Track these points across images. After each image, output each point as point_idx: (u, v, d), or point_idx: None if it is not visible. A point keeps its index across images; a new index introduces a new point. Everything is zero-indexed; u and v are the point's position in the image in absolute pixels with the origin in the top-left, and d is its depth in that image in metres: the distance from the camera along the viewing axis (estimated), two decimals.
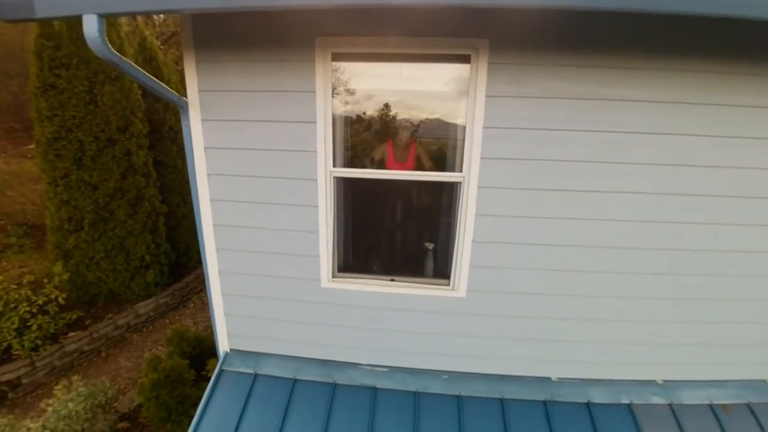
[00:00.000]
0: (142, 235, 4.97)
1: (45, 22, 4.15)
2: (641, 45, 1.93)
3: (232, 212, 2.37)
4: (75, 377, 3.22)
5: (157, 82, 2.04)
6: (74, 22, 4.21)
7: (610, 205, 2.19)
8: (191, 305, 5.61)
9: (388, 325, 2.50)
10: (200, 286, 6.05)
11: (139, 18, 9.50)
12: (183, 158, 6.03)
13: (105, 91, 4.47)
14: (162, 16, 11.29)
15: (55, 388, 3.15)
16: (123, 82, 4.63)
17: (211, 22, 2.07)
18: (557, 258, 2.29)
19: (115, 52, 1.72)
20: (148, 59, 5.43)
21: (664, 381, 2.59)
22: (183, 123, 2.30)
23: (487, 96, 2.03)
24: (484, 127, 2.08)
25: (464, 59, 2.02)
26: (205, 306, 5.62)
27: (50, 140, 4.40)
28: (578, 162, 2.13)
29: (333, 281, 2.42)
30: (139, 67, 1.90)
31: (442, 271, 2.47)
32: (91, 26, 1.62)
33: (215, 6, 1.61)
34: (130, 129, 4.72)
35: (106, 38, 1.67)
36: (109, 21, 4.38)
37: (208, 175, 2.32)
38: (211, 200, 2.37)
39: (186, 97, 2.23)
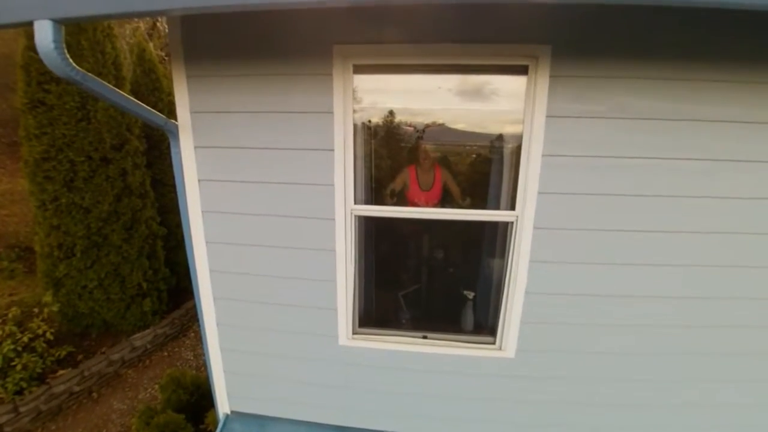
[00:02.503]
0: (138, 261, 4.59)
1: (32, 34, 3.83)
2: (747, 53, 1.52)
3: (231, 256, 1.97)
4: None
5: (138, 104, 1.65)
6: (75, 30, 3.88)
7: (697, 248, 1.75)
8: (192, 334, 5.21)
9: (418, 389, 2.07)
10: None
11: (142, 28, 9.29)
12: None
13: (98, 107, 4.13)
14: (167, 27, 11.08)
15: None
16: None
17: (204, 28, 1.70)
18: (627, 312, 1.86)
19: (76, 67, 1.34)
20: (147, 71, 5.10)
21: None
22: (172, 151, 1.92)
23: (547, 116, 1.62)
24: (543, 155, 1.66)
25: (519, 71, 1.61)
26: None
27: (38, 161, 4.05)
28: (657, 196, 1.70)
29: (353, 338, 2.00)
30: (113, 87, 1.52)
31: (486, 326, 2.04)
32: (44, 35, 1.25)
33: (192, 6, 1.22)
34: (125, 147, 4.36)
35: (65, 50, 1.29)
36: (86, 29, 4.05)
37: (202, 212, 1.93)
38: (206, 242, 1.97)
39: (175, 120, 1.84)
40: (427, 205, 2.30)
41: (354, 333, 2.00)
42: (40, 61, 3.89)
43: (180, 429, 2.86)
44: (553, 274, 1.82)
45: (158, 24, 9.73)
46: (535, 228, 1.75)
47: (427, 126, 2.08)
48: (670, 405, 2.00)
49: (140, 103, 1.67)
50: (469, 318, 2.13)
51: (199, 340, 5.12)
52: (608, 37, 1.54)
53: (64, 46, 1.32)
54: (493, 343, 1.97)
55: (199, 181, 1.89)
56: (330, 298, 1.93)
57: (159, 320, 4.97)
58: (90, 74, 1.42)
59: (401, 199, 2.17)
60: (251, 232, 1.92)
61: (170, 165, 5.35)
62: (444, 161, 2.32)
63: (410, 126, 2.16)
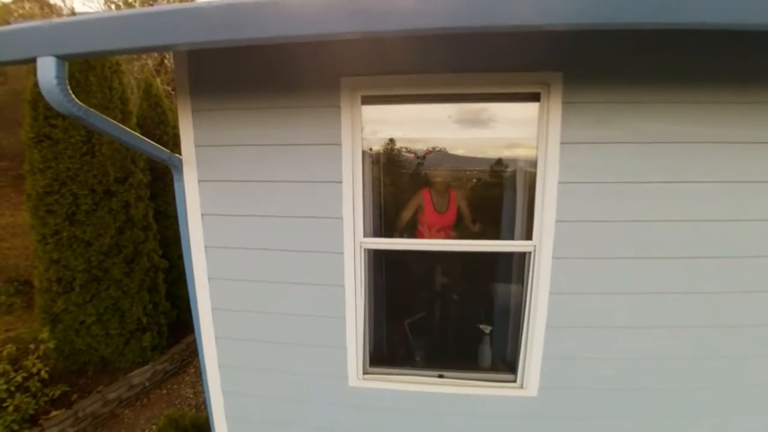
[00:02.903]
0: (139, 295, 4.48)
1: None
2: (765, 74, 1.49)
3: (235, 293, 1.89)
4: None
5: (142, 139, 1.62)
6: (75, 69, 3.95)
7: (722, 273, 1.66)
8: (192, 370, 5.01)
9: (433, 431, 1.92)
10: None
11: (150, 65, 9.58)
12: None
13: (104, 141, 4.15)
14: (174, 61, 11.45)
15: None
16: None
17: (211, 62, 1.69)
18: (655, 344, 1.74)
19: (79, 103, 1.32)
20: (153, 105, 5.18)
21: None
22: (176, 185, 1.88)
23: (562, 143, 1.57)
24: (559, 182, 1.60)
25: (531, 98, 1.58)
26: None
27: (41, 195, 4.04)
28: (677, 221, 1.63)
29: (364, 379, 1.88)
30: (117, 123, 1.49)
31: (505, 362, 1.92)
32: (47, 72, 1.23)
33: (200, 41, 1.20)
34: (129, 180, 4.36)
35: (68, 86, 1.27)
36: (97, 65, 4.13)
37: (205, 247, 1.86)
38: (209, 278, 1.89)
39: (179, 153, 1.81)
40: (442, 227, 2.22)
41: (365, 373, 1.88)
42: None
43: None
44: (574, 306, 1.72)
45: (165, 60, 10.05)
46: (554, 258, 1.66)
47: (428, 152, 2.04)
48: None
49: (143, 137, 1.64)
50: (486, 354, 2.01)
51: (199, 376, 4.92)
52: (620, 62, 1.52)
53: (66, 82, 1.30)
54: (514, 381, 1.84)
55: (202, 215, 1.83)
56: (339, 336, 1.82)
57: (158, 356, 4.80)
58: (93, 110, 1.39)
59: (415, 223, 2.10)
60: (256, 268, 1.84)
61: (174, 197, 5.32)
62: (457, 185, 2.26)
63: (410, 152, 2.13)
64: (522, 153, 1.79)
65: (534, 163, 1.68)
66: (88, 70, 4.01)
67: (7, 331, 4.86)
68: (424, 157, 2.12)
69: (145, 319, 4.56)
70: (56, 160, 4.01)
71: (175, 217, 5.46)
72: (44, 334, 4.24)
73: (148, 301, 4.60)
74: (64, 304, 4.24)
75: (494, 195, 2.06)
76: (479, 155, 2.10)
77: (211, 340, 1.97)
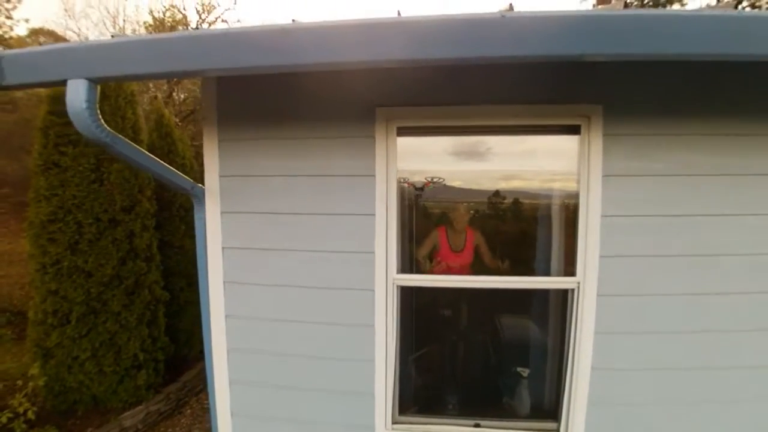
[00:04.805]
0: (137, 329, 4.27)
1: (57, 98, 3.92)
2: None
3: (254, 333, 1.76)
4: None
5: (166, 168, 1.56)
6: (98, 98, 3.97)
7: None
8: (188, 411, 4.69)
9: None
10: (200, 385, 5.17)
11: (160, 97, 9.78)
12: (192, 237, 5.49)
13: (113, 169, 4.10)
14: (182, 96, 11.66)
15: None
16: None
17: (239, 91, 1.66)
18: (707, 384, 1.61)
19: (107, 128, 1.26)
20: (163, 135, 5.19)
21: None
22: (196, 216, 1.79)
23: (604, 176, 1.52)
24: (602, 216, 1.53)
25: (572, 130, 1.54)
26: (205, 412, 4.70)
27: (44, 222, 3.93)
28: (727, 255, 1.55)
29: (393, 429, 1.71)
30: (143, 150, 1.43)
31: (545, 409, 1.77)
32: (77, 95, 1.18)
33: (219, 67, 1.16)
34: (136, 209, 4.27)
35: (97, 110, 1.22)
36: (116, 93, 4.16)
37: (224, 282, 1.75)
38: (226, 316, 1.77)
39: (202, 184, 1.74)
40: (458, 266, 2.13)
41: (394, 422, 1.71)
42: (60, 124, 3.90)
43: None
44: (621, 347, 1.60)
45: (174, 94, 10.33)
46: (598, 296, 1.57)
47: (426, 184, 1.98)
48: None
49: (168, 166, 1.58)
50: (525, 400, 1.85)
51: (195, 418, 4.61)
52: (660, 94, 1.49)
53: (96, 107, 1.25)
54: (557, 430, 1.68)
55: (223, 248, 1.74)
56: (368, 381, 1.68)
57: (153, 395, 4.51)
58: (120, 136, 1.33)
59: (431, 263, 2.01)
60: (277, 306, 1.72)
61: (179, 226, 5.20)
62: (477, 221, 2.19)
63: (409, 184, 2.06)
64: (558, 188, 1.73)
65: (570, 196, 1.62)
66: (102, 100, 4.02)
67: None
68: (422, 188, 2.05)
69: (141, 356, 4.32)
70: (63, 188, 3.94)
71: (180, 247, 5.33)
72: (34, 370, 3.99)
73: (146, 335, 4.38)
74: (59, 337, 4.02)
75: (522, 230, 1.99)
76: (474, 186, 2.04)
77: (225, 385, 1.82)
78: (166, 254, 4.92)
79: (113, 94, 4.07)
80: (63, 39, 12.93)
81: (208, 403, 4.83)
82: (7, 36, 10.72)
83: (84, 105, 1.19)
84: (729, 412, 1.63)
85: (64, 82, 1.20)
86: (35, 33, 12.87)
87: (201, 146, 1.74)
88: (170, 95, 10.41)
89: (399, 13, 1.01)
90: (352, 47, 0.99)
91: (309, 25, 1.00)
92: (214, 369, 1.81)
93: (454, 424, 1.72)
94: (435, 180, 2.01)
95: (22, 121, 8.42)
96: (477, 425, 1.71)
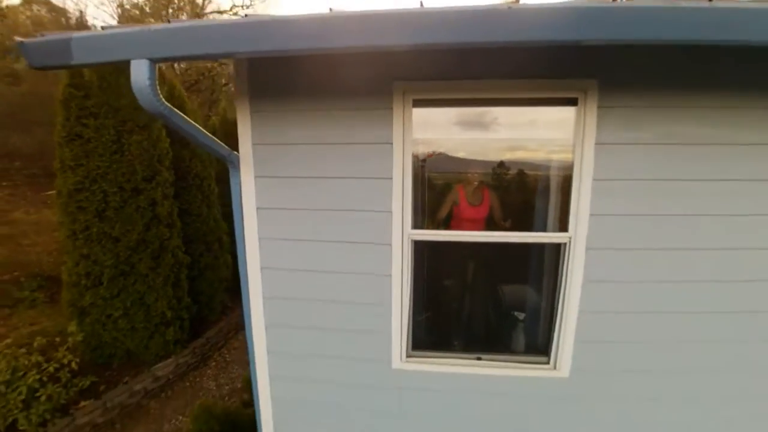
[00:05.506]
0: (163, 290, 4.61)
1: (76, 72, 4.04)
2: None
3: (286, 282, 2.02)
4: None
5: (208, 136, 1.76)
6: (106, 71, 4.10)
7: (744, 265, 1.80)
8: (213, 364, 5.14)
9: (471, 411, 2.05)
10: (222, 342, 5.60)
11: (163, 67, 9.74)
12: (208, 206, 5.79)
13: (132, 140, 4.29)
14: (183, 65, 11.60)
15: None
16: (151, 131, 4.46)
17: (270, 66, 1.83)
18: (681, 329, 1.88)
19: (166, 103, 1.45)
20: (176, 107, 5.32)
21: None
22: (232, 181, 2.01)
23: (597, 144, 1.72)
24: (594, 179, 1.74)
25: (569, 102, 1.72)
26: (228, 365, 5.15)
27: (72, 191, 4.17)
28: (705, 216, 1.77)
29: (407, 362, 2.02)
30: (191, 121, 1.63)
31: (538, 346, 2.06)
32: (140, 73, 1.37)
33: (270, 49, 1.34)
34: (156, 178, 4.49)
35: (158, 87, 1.41)
36: None
37: (259, 239, 2.00)
38: (261, 268, 2.03)
39: (237, 151, 1.95)
40: (476, 219, 2.33)
41: (407, 356, 2.02)
42: (81, 97, 4.08)
43: None
44: (606, 293, 1.86)
45: (175, 65, 10.27)
46: (587, 249, 1.81)
47: (429, 155, 2.16)
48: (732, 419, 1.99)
49: (211, 135, 1.78)
50: (520, 338, 2.15)
51: (220, 369, 5.06)
52: (651, 69, 1.66)
53: (157, 83, 1.44)
54: (547, 363, 1.98)
55: (257, 209, 1.97)
56: (385, 322, 1.96)
57: (180, 349, 4.93)
58: (174, 109, 1.53)
59: (450, 219, 2.23)
60: (307, 258, 1.97)
61: (195, 195, 5.45)
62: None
63: (414, 156, 2.23)
64: (554, 154, 1.93)
65: (566, 163, 1.82)
66: (119, 73, 4.15)
67: (32, 325, 4.98)
68: (425, 159, 2.23)
69: (169, 314, 4.69)
70: (87, 158, 4.14)
71: (197, 215, 5.60)
72: (72, 327, 4.36)
73: (172, 296, 4.73)
74: (92, 298, 4.37)
75: (522, 194, 2.20)
76: (479, 158, 2.22)
77: (261, 328, 2.11)
78: (185, 221, 5.19)
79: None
80: (59, 9, 12.64)
81: (230, 358, 5.26)
82: (2, 5, 10.52)
83: (147, 82, 1.38)
84: (707, 351, 1.90)
85: (127, 62, 1.39)
86: (28, 2, 12.57)
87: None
88: (172, 65, 10.34)
89: (422, 4, 1.18)
90: (384, 34, 1.17)
91: (345, 13, 1.18)
92: (252, 314, 2.09)
93: (459, 358, 2.03)
94: (437, 153, 2.19)
95: (29, 94, 8.46)
96: (479, 359, 2.01)
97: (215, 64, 11.63)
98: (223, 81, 13.95)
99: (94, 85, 4.09)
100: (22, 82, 9.24)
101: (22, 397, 3.72)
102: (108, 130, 4.18)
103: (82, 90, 4.06)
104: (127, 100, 4.18)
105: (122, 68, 4.23)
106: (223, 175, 6.13)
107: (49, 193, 7.96)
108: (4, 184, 8.23)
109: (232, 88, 15.25)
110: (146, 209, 4.43)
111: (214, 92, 13.53)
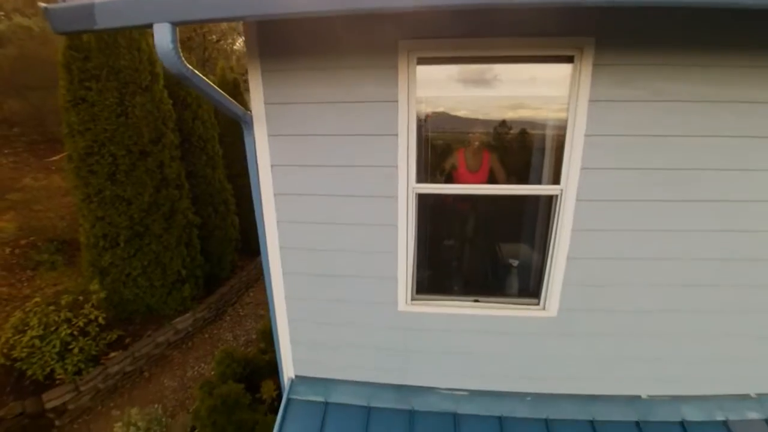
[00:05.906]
0: (177, 249, 4.85)
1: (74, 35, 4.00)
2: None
3: (300, 234, 2.20)
4: (133, 410, 3.10)
5: (225, 97, 1.86)
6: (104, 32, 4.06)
7: (722, 216, 1.97)
8: (228, 318, 5.50)
9: (470, 348, 2.31)
10: (234, 298, 5.94)
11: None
12: (213, 167, 5.90)
13: (136, 102, 4.33)
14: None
15: (115, 426, 3.02)
16: (153, 92, 4.48)
17: (278, 27, 1.89)
18: (660, 273, 2.09)
19: (188, 65, 1.54)
20: None
21: (758, 395, 2.39)
22: (246, 139, 2.12)
23: (590, 100, 1.82)
24: (586, 135, 1.87)
25: (566, 59, 1.80)
26: (242, 319, 5.51)
27: (83, 155, 4.27)
28: (691, 170, 1.91)
29: (411, 304, 2.24)
30: (211, 83, 1.73)
31: (529, 290, 2.28)
32: (163, 36, 1.44)
33: (290, 11, 1.41)
34: (162, 140, 4.58)
35: (179, 49, 1.49)
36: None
37: (274, 194, 2.15)
38: (277, 221, 2.20)
39: (250, 110, 2.05)
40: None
41: (412, 299, 2.24)
42: (81, 59, 4.10)
43: (240, 398, 3.13)
44: (593, 241, 2.04)
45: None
46: (578, 200, 1.96)
47: (427, 116, 2.23)
48: (707, 358, 2.25)
49: (227, 96, 1.87)
50: (514, 283, 2.37)
51: (235, 323, 5.42)
52: (647, 28, 1.72)
53: (179, 46, 1.52)
54: (537, 304, 2.20)
55: (272, 166, 2.10)
56: (391, 268, 2.16)
57: (197, 305, 5.26)
58: (196, 71, 1.62)
59: (449, 180, 2.37)
60: (319, 212, 2.14)
61: (199, 156, 5.56)
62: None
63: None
64: (550, 113, 2.02)
65: (560, 119, 1.93)
66: (116, 33, 4.11)
67: (55, 285, 5.27)
68: (425, 120, 2.30)
69: (184, 272, 4.97)
70: (93, 122, 4.21)
71: (203, 177, 5.74)
72: (95, 286, 4.64)
73: (185, 255, 4.98)
74: (111, 258, 4.62)
75: (522, 152, 2.31)
76: (481, 116, 2.28)
77: (279, 275, 2.31)
78: (192, 183, 5.33)
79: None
80: None
81: (243, 312, 5.61)
82: None
83: (171, 45, 1.46)
84: (683, 294, 2.11)
85: (149, 26, 1.47)
86: None
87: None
88: None
89: None
90: None
91: None
92: (270, 263, 2.29)
93: (458, 299, 2.25)
94: (435, 112, 2.25)
95: (20, 57, 8.24)
96: (476, 300, 2.23)
97: None
98: (215, 38, 13.52)
99: (93, 46, 4.07)
100: (8, 43, 8.96)
101: (57, 349, 4.05)
102: (111, 92, 4.21)
103: (82, 52, 4.05)
104: (126, 61, 4.17)
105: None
106: (225, 137, 6.18)
107: (53, 159, 8.00)
108: (6, 151, 8.26)
109: (225, 46, 14.78)
110: (155, 171, 4.55)
111: (206, 49, 13.16)
